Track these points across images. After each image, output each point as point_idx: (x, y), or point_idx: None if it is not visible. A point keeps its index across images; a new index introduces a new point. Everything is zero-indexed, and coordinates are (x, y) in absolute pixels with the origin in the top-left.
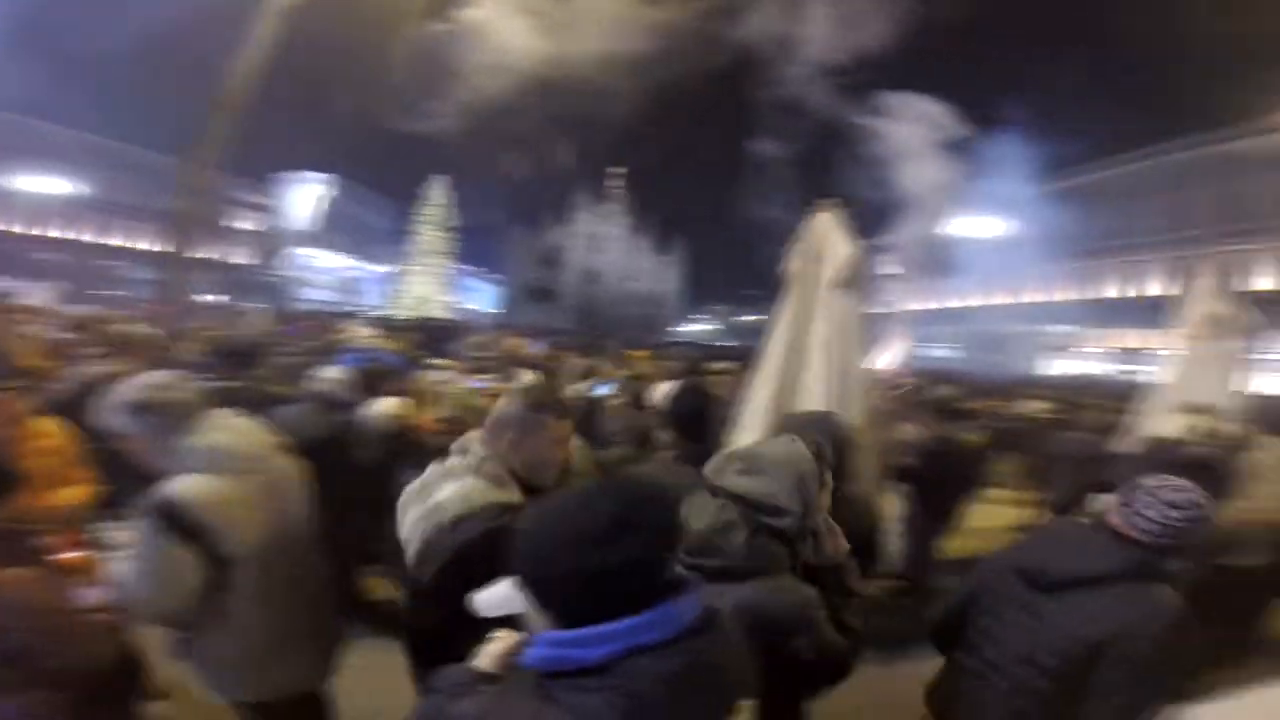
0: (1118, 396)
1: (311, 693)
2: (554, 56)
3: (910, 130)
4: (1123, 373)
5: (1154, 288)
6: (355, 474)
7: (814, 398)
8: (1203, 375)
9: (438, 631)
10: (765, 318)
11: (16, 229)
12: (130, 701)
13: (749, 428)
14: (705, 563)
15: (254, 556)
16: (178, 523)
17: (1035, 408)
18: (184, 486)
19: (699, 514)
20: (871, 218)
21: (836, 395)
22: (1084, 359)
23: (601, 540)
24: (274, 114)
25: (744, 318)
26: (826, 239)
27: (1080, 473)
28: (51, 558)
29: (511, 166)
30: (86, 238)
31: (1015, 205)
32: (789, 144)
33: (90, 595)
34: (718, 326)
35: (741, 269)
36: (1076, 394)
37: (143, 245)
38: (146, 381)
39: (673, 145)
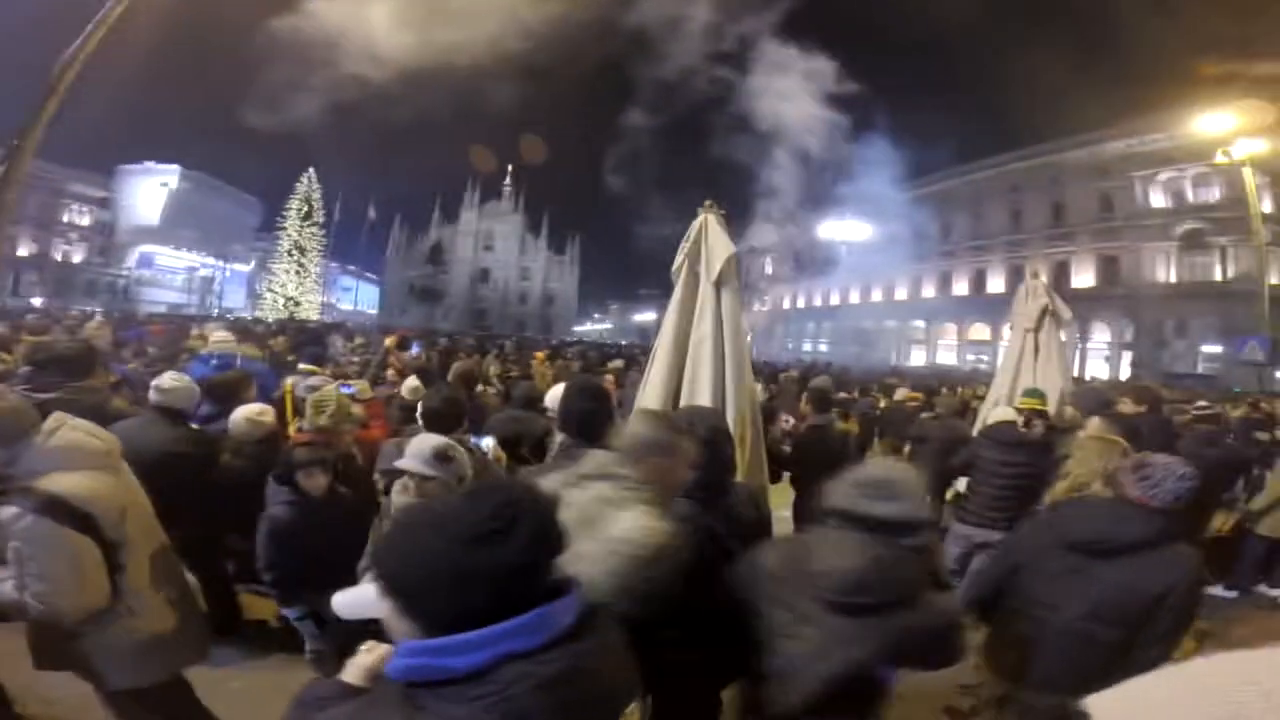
0: (969, 384)
1: (180, 677)
2: (425, 46)
3: (789, 107)
4: (972, 362)
5: (996, 285)
6: (212, 489)
7: (704, 393)
8: (1036, 364)
9: None
10: (658, 316)
11: None
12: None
13: None
14: (862, 600)
15: (131, 540)
16: (70, 514)
17: (901, 396)
18: (62, 482)
19: (842, 552)
20: (748, 219)
21: (724, 390)
22: (938, 351)
23: (473, 543)
24: (118, 103)
25: (638, 316)
26: (709, 240)
27: (943, 456)
28: None
29: (387, 161)
30: None
31: (881, 208)
32: (668, 121)
33: None
34: (612, 325)
35: (635, 267)
36: (934, 383)
37: None
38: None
39: (564, 138)
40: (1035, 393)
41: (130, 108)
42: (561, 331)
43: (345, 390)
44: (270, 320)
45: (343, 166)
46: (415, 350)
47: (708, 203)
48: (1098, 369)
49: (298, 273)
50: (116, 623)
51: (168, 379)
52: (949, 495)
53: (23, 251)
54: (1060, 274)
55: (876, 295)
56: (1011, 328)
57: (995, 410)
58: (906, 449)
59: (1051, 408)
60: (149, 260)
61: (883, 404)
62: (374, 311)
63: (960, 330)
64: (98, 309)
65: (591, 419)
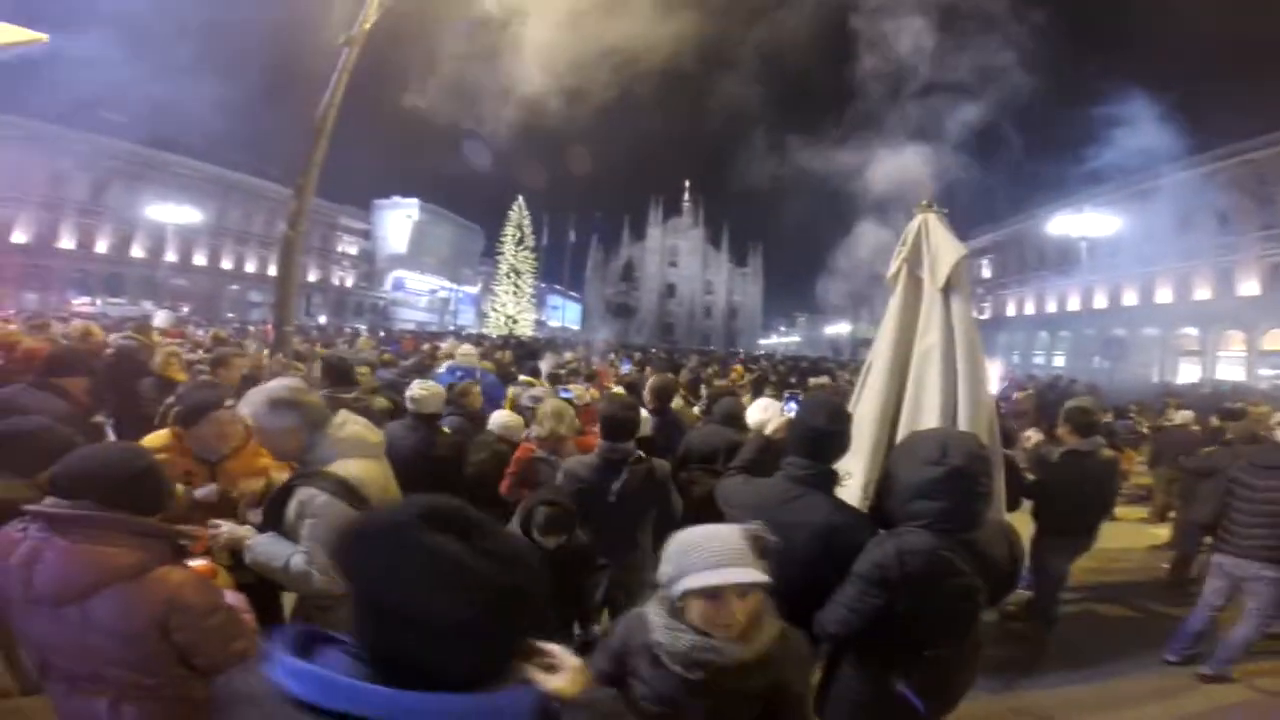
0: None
1: None
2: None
3: None
4: (1269, 378)
5: None
6: (458, 486)
7: (932, 412)
8: None
9: None
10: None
11: (146, 255)
12: None
13: (857, 444)
14: None
15: None
16: (353, 496)
17: (1183, 419)
18: (349, 467)
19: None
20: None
21: (955, 408)
22: (1218, 364)
23: (431, 586)
24: (363, 141)
25: (829, 329)
26: (930, 241)
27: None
28: (193, 563)
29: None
30: (209, 263)
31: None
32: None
33: (230, 597)
34: (800, 338)
35: (823, 278)
36: (1218, 402)
37: (252, 269)
38: (288, 383)
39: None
40: None
41: (371, 145)
42: (746, 345)
43: (565, 395)
44: (494, 335)
45: (545, 193)
46: (626, 368)
47: (924, 201)
48: None
49: (514, 293)
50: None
51: (418, 388)
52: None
53: (311, 278)
54: None
55: (1130, 298)
56: None
57: None
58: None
59: None
60: (400, 284)
61: (1145, 427)
62: (576, 327)
63: (1249, 339)
64: (363, 326)
65: (829, 441)
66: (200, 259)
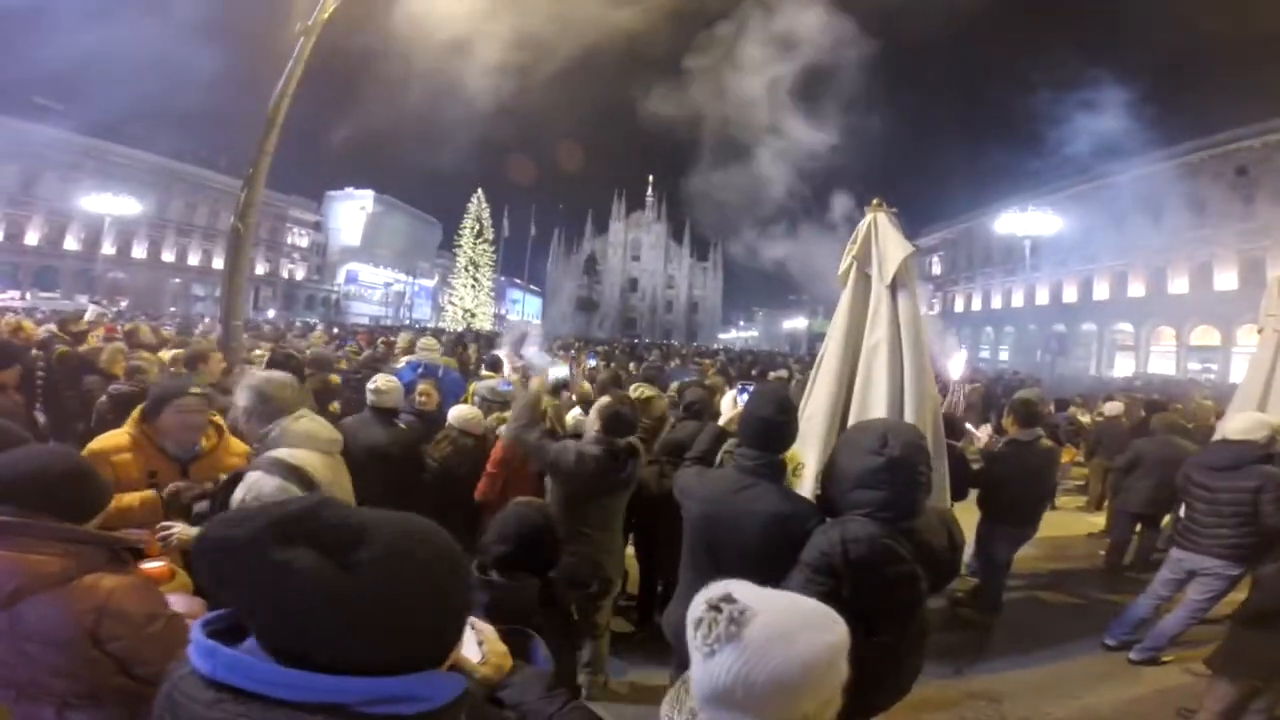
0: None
1: None
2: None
3: None
4: (1197, 371)
5: (1226, 280)
6: (416, 480)
7: (879, 404)
8: None
9: None
10: (807, 323)
11: (81, 247)
12: None
13: (806, 436)
14: None
15: None
16: (298, 477)
17: (1115, 410)
18: (296, 454)
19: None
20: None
21: (901, 401)
22: (1151, 358)
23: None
24: (316, 132)
25: (787, 323)
26: (879, 239)
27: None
28: (141, 566)
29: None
30: (149, 256)
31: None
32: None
33: (178, 602)
34: (758, 333)
35: (781, 273)
36: (1151, 395)
37: (195, 262)
38: (267, 375)
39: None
40: None
41: (324, 136)
42: (706, 339)
43: (504, 387)
44: (451, 329)
45: (506, 184)
46: (592, 361)
47: (875, 201)
48: None
49: (473, 286)
50: None
51: (381, 381)
52: (1164, 523)
53: (259, 270)
54: None
55: (1070, 295)
56: (1260, 330)
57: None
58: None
59: None
60: (353, 277)
61: (1084, 418)
62: (538, 321)
63: (1179, 334)
64: (316, 320)
65: (777, 431)
66: (140, 251)
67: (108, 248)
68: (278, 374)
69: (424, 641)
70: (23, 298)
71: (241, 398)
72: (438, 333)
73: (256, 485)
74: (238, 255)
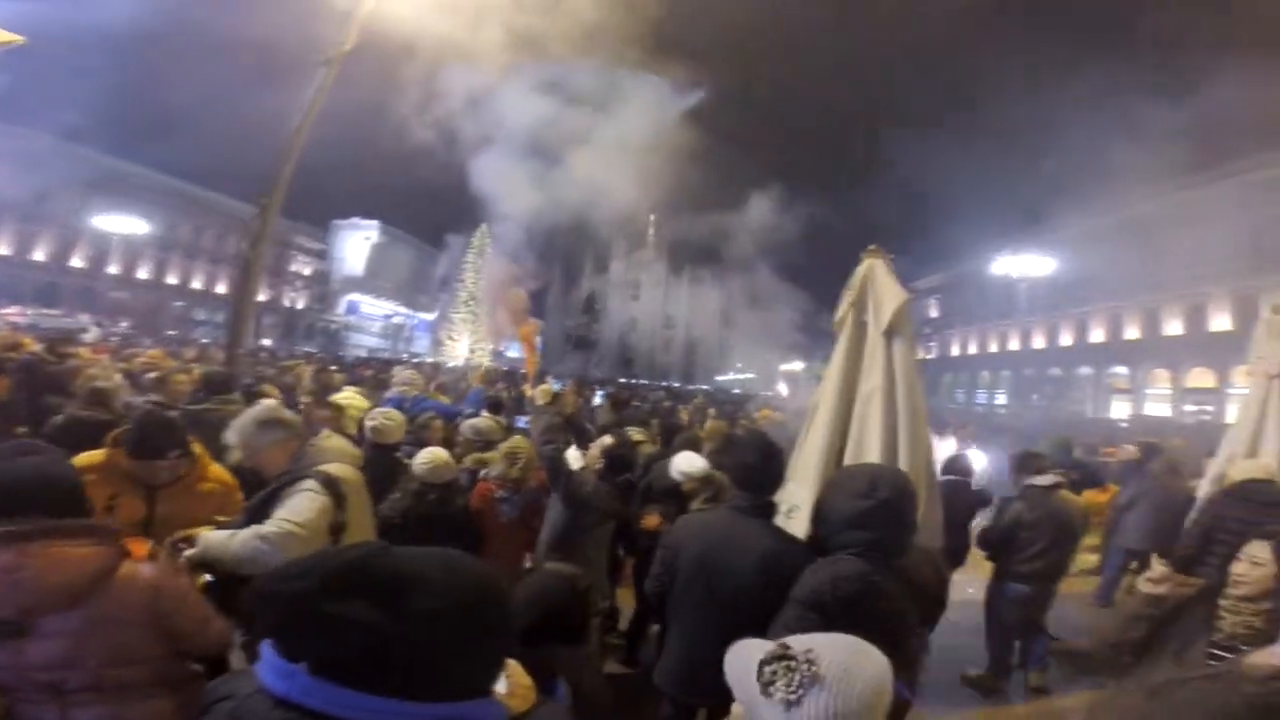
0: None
1: None
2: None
3: None
4: (1193, 413)
5: (1220, 322)
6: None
7: (873, 449)
8: None
9: None
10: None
11: (87, 265)
12: None
13: (802, 479)
14: None
15: (350, 526)
16: (332, 486)
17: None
18: (334, 467)
19: None
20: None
21: (895, 447)
22: (1146, 401)
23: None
24: (326, 160)
25: (783, 365)
26: (876, 286)
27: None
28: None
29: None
30: (153, 277)
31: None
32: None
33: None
34: (756, 375)
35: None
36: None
37: (197, 286)
38: (267, 405)
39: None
40: None
41: (336, 165)
42: (704, 380)
43: (520, 424)
44: (449, 365)
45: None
46: (599, 400)
47: (872, 247)
48: None
49: (473, 321)
50: None
51: (380, 417)
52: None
53: (261, 297)
54: None
55: (1066, 339)
56: (1250, 372)
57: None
58: None
59: None
60: (355, 308)
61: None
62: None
63: (1174, 376)
64: (315, 351)
65: (762, 473)
66: (144, 272)
67: (113, 267)
68: (271, 403)
69: (475, 673)
70: (23, 313)
71: (269, 433)
72: (434, 368)
73: (293, 487)
74: (246, 282)
